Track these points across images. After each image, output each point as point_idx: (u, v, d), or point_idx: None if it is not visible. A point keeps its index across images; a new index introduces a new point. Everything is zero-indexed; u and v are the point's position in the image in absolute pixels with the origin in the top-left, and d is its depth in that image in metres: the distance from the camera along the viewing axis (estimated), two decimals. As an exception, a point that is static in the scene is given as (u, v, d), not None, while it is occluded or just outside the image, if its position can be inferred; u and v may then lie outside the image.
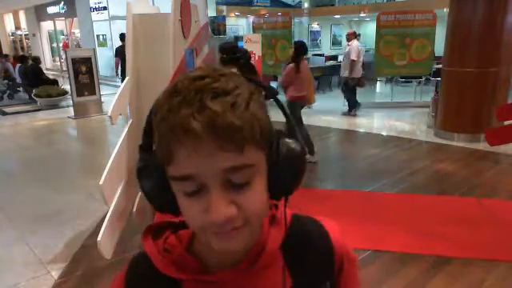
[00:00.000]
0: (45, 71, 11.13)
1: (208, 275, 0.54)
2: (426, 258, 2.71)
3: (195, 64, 3.10)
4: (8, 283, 2.63)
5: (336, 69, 11.18)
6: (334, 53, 13.52)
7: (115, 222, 2.42)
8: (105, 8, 13.84)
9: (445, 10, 6.33)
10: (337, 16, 14.56)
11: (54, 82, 10.29)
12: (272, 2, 12.45)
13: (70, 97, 8.33)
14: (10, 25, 21.44)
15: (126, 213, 2.62)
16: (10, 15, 20.86)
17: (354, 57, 7.28)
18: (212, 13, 10.46)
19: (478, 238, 2.95)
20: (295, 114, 4.76)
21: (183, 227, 0.58)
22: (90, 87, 7.99)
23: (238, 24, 12.81)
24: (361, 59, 7.54)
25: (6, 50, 18.31)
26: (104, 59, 12.97)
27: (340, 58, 12.17)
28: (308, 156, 5.83)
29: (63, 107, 9.06)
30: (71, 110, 8.13)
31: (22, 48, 20.15)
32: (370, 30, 13.63)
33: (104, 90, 8.88)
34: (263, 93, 0.51)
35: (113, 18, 13.51)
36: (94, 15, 14.39)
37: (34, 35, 18.94)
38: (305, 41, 12.96)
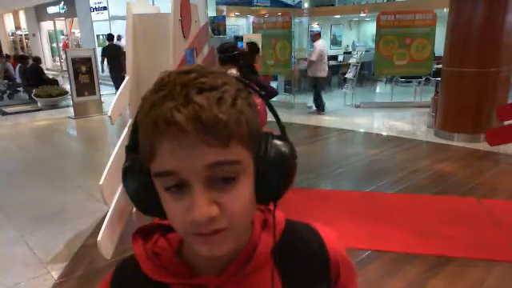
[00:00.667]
0: (45, 71, 11.12)
1: (196, 279, 0.53)
2: (426, 258, 2.71)
3: (195, 64, 3.09)
4: (8, 283, 2.63)
5: (336, 69, 11.20)
6: (334, 53, 13.52)
7: (115, 222, 2.42)
8: (105, 8, 13.84)
9: (445, 10, 6.33)
10: (337, 16, 14.55)
11: (54, 82, 10.29)
12: (272, 2, 12.45)
13: (69, 97, 8.32)
14: (10, 25, 21.44)
15: (125, 213, 2.62)
16: (10, 15, 20.86)
17: (313, 58, 7.64)
18: (212, 13, 10.45)
19: (478, 238, 2.95)
20: None
21: (173, 230, 0.56)
22: (90, 87, 7.99)
23: (238, 24, 12.80)
24: (325, 59, 7.83)
25: (5, 50, 18.30)
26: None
27: (340, 58, 12.22)
28: None
29: (63, 107, 9.06)
30: (71, 109, 8.13)
31: (22, 48, 20.15)
32: (369, 30, 13.64)
33: (104, 90, 8.89)
34: (263, 92, 0.51)
35: (113, 18, 13.51)
36: (94, 15, 14.39)
37: (34, 35, 18.94)
38: (305, 41, 12.95)
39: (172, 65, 2.57)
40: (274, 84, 8.83)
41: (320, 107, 7.90)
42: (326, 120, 7.27)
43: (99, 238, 2.20)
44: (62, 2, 15.79)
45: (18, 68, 10.36)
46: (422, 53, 7.66)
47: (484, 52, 5.30)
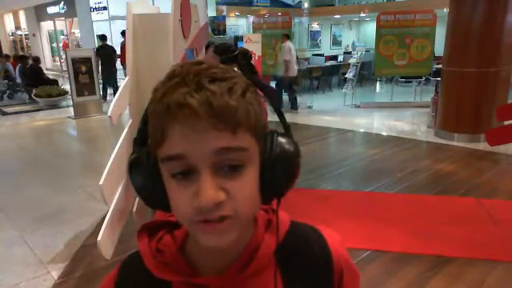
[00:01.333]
0: (45, 71, 11.13)
1: (198, 278, 0.53)
2: (426, 258, 2.71)
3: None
4: (8, 283, 2.63)
5: (336, 69, 11.21)
6: (334, 53, 13.53)
7: (115, 222, 2.42)
8: (105, 8, 13.85)
9: (445, 10, 6.33)
10: (337, 16, 14.57)
11: (54, 82, 10.29)
12: (272, 2, 12.46)
13: (69, 97, 8.32)
14: (10, 25, 21.44)
15: (126, 213, 2.62)
16: (10, 15, 20.86)
17: (287, 57, 7.62)
18: (212, 13, 10.47)
19: (478, 238, 2.95)
20: None
21: (179, 227, 0.57)
22: (90, 87, 7.98)
23: (238, 24, 12.81)
24: (294, 59, 7.85)
25: (5, 50, 18.31)
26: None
27: (340, 58, 12.23)
28: None
29: (63, 107, 9.06)
30: (71, 110, 8.13)
31: (22, 48, 20.15)
32: (370, 29, 13.64)
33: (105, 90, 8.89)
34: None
35: (113, 18, 13.52)
36: (94, 15, 14.39)
37: (34, 35, 18.94)
38: (305, 41, 12.94)
39: (172, 65, 2.57)
40: (273, 84, 8.83)
41: (294, 106, 8.00)
42: (326, 120, 7.27)
43: (99, 238, 2.20)
44: (62, 2, 15.79)
45: (17, 68, 10.36)
46: (421, 53, 7.66)
47: (484, 52, 5.30)
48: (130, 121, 2.65)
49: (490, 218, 3.26)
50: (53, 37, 18.27)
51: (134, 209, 2.64)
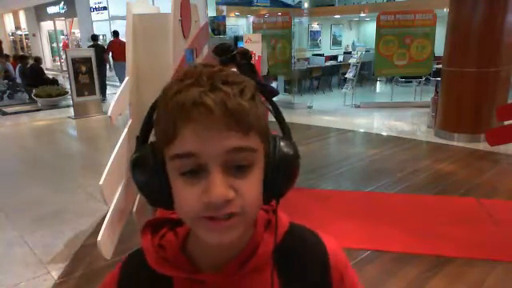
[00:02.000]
0: (45, 71, 11.12)
1: (198, 274, 0.54)
2: (426, 258, 2.71)
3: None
4: (8, 283, 2.63)
5: (336, 69, 11.21)
6: (334, 53, 13.53)
7: (115, 222, 2.42)
8: (105, 8, 13.85)
9: (445, 10, 6.33)
10: (337, 16, 14.56)
11: (54, 82, 10.29)
12: (272, 2, 12.45)
13: (69, 97, 8.32)
14: (10, 25, 21.44)
15: (126, 213, 2.62)
16: (10, 15, 20.86)
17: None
18: (212, 13, 10.45)
19: (478, 238, 2.95)
20: None
21: (182, 224, 0.58)
22: (90, 87, 7.99)
23: (238, 24, 12.80)
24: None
25: (5, 50, 18.30)
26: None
27: (340, 58, 12.22)
28: None
29: (63, 107, 9.06)
30: (71, 110, 8.13)
31: (22, 48, 20.15)
32: (370, 29, 13.64)
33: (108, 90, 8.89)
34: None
35: (113, 18, 13.51)
36: (94, 15, 14.39)
37: (34, 35, 18.94)
38: (305, 41, 12.94)
39: (172, 65, 2.57)
40: (273, 84, 8.83)
41: None
42: (326, 120, 7.27)
43: (99, 238, 2.20)
44: (62, 2, 15.79)
45: (17, 68, 10.36)
46: (421, 53, 7.66)
47: (484, 52, 5.30)
48: (130, 121, 2.65)
49: (490, 218, 3.26)
50: (53, 37, 18.27)
51: (134, 209, 2.64)
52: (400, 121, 7.05)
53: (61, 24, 17.30)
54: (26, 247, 3.07)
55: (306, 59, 10.94)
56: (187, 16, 2.95)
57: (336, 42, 15.43)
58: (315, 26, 14.36)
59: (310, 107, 8.41)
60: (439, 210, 3.46)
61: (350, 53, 12.02)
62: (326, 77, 11.03)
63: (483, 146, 5.04)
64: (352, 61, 9.13)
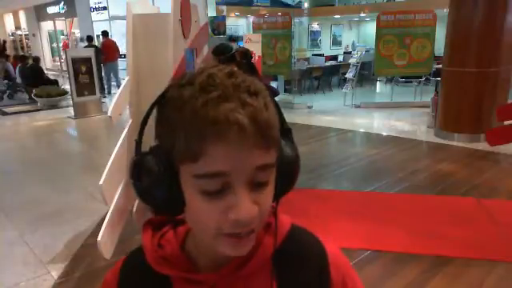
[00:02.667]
0: (45, 71, 11.13)
1: (195, 274, 0.54)
2: (426, 258, 2.71)
3: (195, 64, 3.10)
4: (8, 283, 2.63)
5: (336, 69, 11.21)
6: (334, 53, 13.53)
7: (115, 221, 2.42)
8: (105, 8, 13.84)
9: (445, 10, 6.33)
10: (337, 16, 14.56)
11: (54, 82, 10.29)
12: (272, 2, 12.45)
13: (69, 97, 8.32)
14: (10, 25, 21.44)
15: (125, 213, 2.62)
16: (10, 15, 20.86)
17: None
18: (212, 13, 10.46)
19: (478, 238, 2.95)
20: None
21: (182, 223, 0.58)
22: (89, 87, 7.99)
23: (238, 24, 12.80)
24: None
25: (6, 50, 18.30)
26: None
27: (340, 58, 12.23)
28: None
29: (63, 107, 9.06)
30: (71, 110, 8.13)
31: (22, 48, 20.15)
32: (370, 29, 13.64)
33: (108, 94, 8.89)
34: None
35: (113, 18, 13.51)
36: (94, 15, 14.39)
37: (33, 35, 18.93)
38: (305, 41, 12.93)
39: (172, 65, 2.57)
40: (273, 84, 8.83)
41: None
42: (326, 120, 7.27)
43: (99, 238, 2.20)
44: (62, 2, 15.78)
45: (17, 68, 10.37)
46: (422, 53, 7.66)
47: (484, 52, 5.30)
48: (130, 121, 2.65)
49: (489, 218, 3.26)
50: (53, 37, 18.26)
51: (134, 209, 2.64)
52: (400, 121, 7.06)
53: (61, 24, 17.29)
54: (25, 247, 3.07)
55: (306, 59, 10.95)
56: (187, 16, 2.95)
57: (336, 42, 15.44)
58: (315, 26, 14.36)
59: (310, 107, 8.41)
60: (439, 210, 3.46)
61: (349, 53, 12.02)
62: (326, 77, 11.03)
63: (483, 146, 5.04)
64: (352, 61, 9.13)
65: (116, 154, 2.40)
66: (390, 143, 5.64)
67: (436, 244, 2.87)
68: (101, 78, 9.54)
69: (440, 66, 6.57)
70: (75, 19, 15.64)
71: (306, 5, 13.21)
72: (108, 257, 2.27)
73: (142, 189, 0.49)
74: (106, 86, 10.34)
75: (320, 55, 12.31)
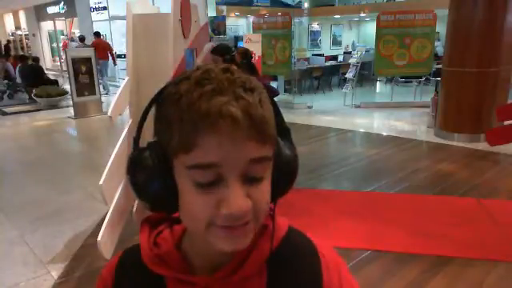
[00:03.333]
0: (45, 71, 11.13)
1: (189, 276, 0.53)
2: (426, 258, 2.71)
3: (195, 64, 3.10)
4: (8, 283, 2.63)
5: (336, 69, 11.21)
6: (334, 53, 13.52)
7: (115, 221, 2.42)
8: (105, 8, 13.84)
9: (445, 10, 6.33)
10: (337, 16, 14.55)
11: (54, 82, 10.29)
12: (272, 2, 12.45)
13: (69, 97, 8.32)
14: (10, 25, 21.44)
15: (125, 213, 2.62)
16: (10, 15, 20.86)
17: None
18: (212, 13, 10.46)
19: (478, 238, 2.95)
20: None
21: (179, 221, 0.57)
22: (90, 87, 7.98)
23: (238, 24, 12.80)
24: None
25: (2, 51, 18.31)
26: (104, 59, 12.97)
27: (340, 58, 12.23)
28: None
29: (63, 107, 9.06)
30: (71, 110, 8.13)
31: (22, 48, 20.15)
32: (370, 29, 13.64)
33: (105, 93, 8.88)
34: None
35: (113, 18, 13.51)
36: (94, 15, 14.39)
37: (33, 35, 18.93)
38: (305, 41, 12.90)
39: (172, 65, 2.57)
40: (273, 84, 8.83)
41: None
42: (326, 120, 7.27)
43: (99, 238, 2.20)
44: (62, 2, 15.78)
45: (17, 68, 10.37)
46: (422, 53, 7.66)
47: (484, 52, 5.30)
48: (130, 121, 2.66)
49: (489, 218, 3.26)
50: (53, 37, 18.26)
51: (134, 209, 2.64)
52: (400, 121, 7.06)
53: (61, 24, 17.29)
54: (25, 247, 3.07)
55: (306, 59, 10.94)
56: (187, 16, 2.95)
57: (336, 42, 15.43)
58: (315, 26, 14.36)
59: (309, 107, 8.41)
60: (439, 209, 3.46)
61: (349, 53, 12.02)
62: (326, 77, 11.02)
63: (483, 146, 5.04)
64: (352, 61, 9.13)
65: (116, 153, 2.41)
66: (390, 143, 5.64)
67: (436, 244, 2.87)
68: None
69: (440, 65, 6.57)
70: (75, 19, 15.64)
71: (306, 5, 13.21)
72: (108, 257, 2.27)
73: (136, 183, 0.49)
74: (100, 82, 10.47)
75: (320, 55, 12.30)
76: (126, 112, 2.80)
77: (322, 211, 3.43)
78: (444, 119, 5.78)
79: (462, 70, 5.44)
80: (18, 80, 10.38)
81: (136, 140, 0.52)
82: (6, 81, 10.68)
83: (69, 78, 7.79)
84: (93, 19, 14.45)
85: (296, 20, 10.11)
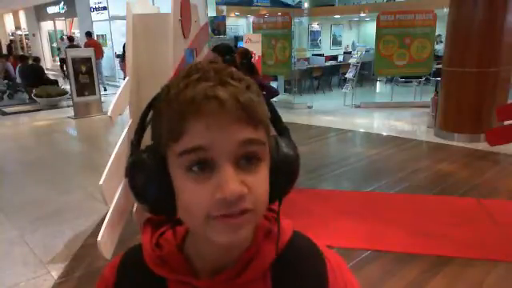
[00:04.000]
0: (45, 71, 11.13)
1: (191, 278, 0.53)
2: (426, 258, 2.71)
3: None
4: (8, 283, 2.63)
5: (336, 69, 11.21)
6: (334, 53, 13.52)
7: (115, 221, 2.42)
8: (105, 8, 13.83)
9: (445, 10, 6.33)
10: (337, 16, 14.55)
11: (54, 82, 10.30)
12: (272, 2, 12.44)
13: (70, 97, 8.33)
14: (10, 25, 21.44)
15: (125, 213, 2.62)
16: (10, 15, 20.86)
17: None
18: (212, 13, 10.46)
19: (478, 238, 2.95)
20: None
21: (182, 223, 0.56)
22: (90, 87, 7.98)
23: (238, 24, 12.80)
24: None
25: (5, 50, 18.31)
26: (104, 59, 12.96)
27: (340, 58, 12.23)
28: None
29: (63, 107, 9.06)
30: (71, 110, 8.13)
31: (22, 48, 20.15)
32: (370, 29, 13.64)
33: (104, 90, 8.88)
34: (263, 93, 0.51)
35: (113, 18, 13.50)
36: (94, 15, 14.38)
37: (33, 35, 18.93)
38: (305, 41, 12.89)
39: (172, 65, 2.57)
40: (273, 84, 8.83)
41: None
42: (326, 120, 7.27)
43: (99, 238, 2.20)
44: (62, 2, 15.78)
45: (17, 68, 10.37)
46: (422, 53, 7.66)
47: (484, 52, 5.30)
48: (130, 121, 2.66)
49: (489, 218, 3.26)
50: (53, 37, 18.26)
51: (134, 209, 2.64)
52: (400, 121, 7.06)
53: (61, 24, 17.29)
54: (25, 247, 3.07)
55: (306, 59, 10.94)
56: (187, 16, 2.95)
57: (336, 42, 15.42)
58: (315, 26, 14.35)
59: (309, 107, 8.41)
60: (439, 209, 3.46)
61: (350, 53, 12.02)
62: (326, 77, 11.02)
63: (483, 146, 5.04)
64: (352, 61, 9.13)
65: (116, 153, 2.40)
66: (390, 143, 5.64)
67: (436, 244, 2.87)
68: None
69: (440, 65, 6.57)
70: (75, 19, 15.64)
71: (306, 5, 13.20)
72: (108, 257, 2.27)
73: (134, 187, 0.49)
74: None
75: (320, 55, 12.30)
76: (126, 112, 2.80)
77: (322, 211, 3.43)
78: (444, 119, 5.78)
79: (462, 69, 5.44)
80: (18, 80, 10.39)
81: (133, 144, 0.51)
82: (6, 81, 10.68)
83: (69, 77, 7.79)
84: (93, 19, 14.44)
85: (296, 20, 10.11)
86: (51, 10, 16.76)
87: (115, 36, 13.45)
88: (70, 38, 10.73)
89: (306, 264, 0.57)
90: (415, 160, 4.84)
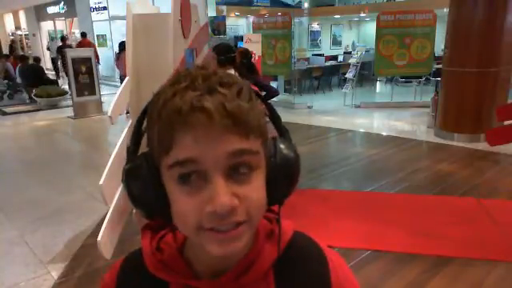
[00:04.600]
0: (45, 71, 11.13)
1: (193, 281, 0.52)
2: (426, 258, 2.71)
3: (195, 64, 3.09)
4: (8, 283, 2.63)
5: (336, 69, 11.21)
6: (334, 53, 13.52)
7: (115, 221, 2.42)
8: (105, 8, 13.83)
9: (445, 10, 6.33)
10: (337, 16, 14.55)
11: (54, 82, 10.30)
12: (272, 2, 12.44)
13: (69, 97, 8.32)
14: (10, 25, 21.43)
15: (125, 213, 2.62)
16: (10, 15, 20.86)
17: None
18: (212, 13, 10.46)
19: (478, 238, 2.95)
20: None
21: None
22: (89, 87, 7.98)
23: (238, 24, 12.80)
24: None
25: (5, 50, 18.30)
26: (104, 59, 12.97)
27: (340, 58, 12.23)
28: None
29: (63, 107, 9.06)
30: (71, 110, 8.13)
31: (22, 48, 20.15)
32: (370, 29, 13.64)
33: (104, 90, 8.88)
34: (263, 93, 0.51)
35: (113, 18, 13.50)
36: (94, 15, 14.38)
37: (34, 35, 18.93)
38: (305, 41, 12.89)
39: (172, 65, 2.57)
40: (273, 84, 8.83)
41: None
42: (326, 120, 7.26)
43: (99, 238, 2.20)
44: (62, 2, 15.78)
45: (17, 68, 10.37)
46: (422, 53, 7.66)
47: (484, 52, 5.30)
48: (130, 121, 2.65)
49: (489, 218, 3.26)
50: (53, 37, 18.26)
51: (134, 209, 2.64)
52: (400, 121, 7.06)
53: (61, 24, 17.29)
54: (25, 247, 3.07)
55: (306, 59, 10.94)
56: (187, 16, 2.95)
57: (336, 42, 15.42)
58: (315, 26, 14.35)
59: (310, 107, 8.41)
60: (439, 210, 3.46)
61: (350, 53, 12.02)
62: (326, 77, 11.02)
63: (483, 146, 5.04)
64: (352, 61, 9.13)
65: (116, 154, 2.40)
66: (390, 143, 5.64)
67: (436, 244, 2.87)
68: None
69: (440, 65, 6.57)
70: (75, 19, 15.64)
71: (306, 5, 13.20)
72: (108, 257, 2.27)
73: (130, 193, 0.49)
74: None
75: (320, 55, 12.30)
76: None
77: (322, 211, 3.43)
78: (444, 119, 5.78)
79: (462, 69, 5.44)
80: (18, 80, 10.39)
81: (129, 151, 0.51)
82: (6, 81, 10.68)
83: (69, 78, 7.79)
84: (93, 19, 14.44)
85: (296, 20, 10.10)
86: (51, 9, 16.76)
87: (115, 36, 13.45)
88: (63, 38, 10.70)
89: (309, 263, 0.57)
90: (415, 160, 4.84)
